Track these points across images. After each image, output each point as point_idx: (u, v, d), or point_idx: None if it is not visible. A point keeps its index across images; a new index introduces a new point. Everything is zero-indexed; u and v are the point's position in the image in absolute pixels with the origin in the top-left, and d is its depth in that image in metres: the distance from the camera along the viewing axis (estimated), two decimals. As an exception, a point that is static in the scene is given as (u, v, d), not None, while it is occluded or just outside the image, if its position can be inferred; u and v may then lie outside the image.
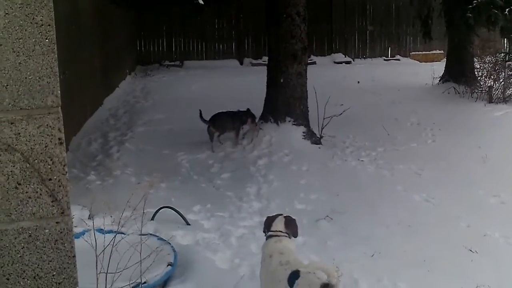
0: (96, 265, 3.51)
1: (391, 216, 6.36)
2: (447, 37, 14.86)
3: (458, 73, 13.85)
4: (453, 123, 10.55)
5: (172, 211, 6.07)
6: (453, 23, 12.52)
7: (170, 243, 5.07)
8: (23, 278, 1.94)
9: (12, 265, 1.92)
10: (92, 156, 8.53)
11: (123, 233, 4.16)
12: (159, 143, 9.15)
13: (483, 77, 13.29)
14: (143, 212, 4.19)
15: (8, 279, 1.93)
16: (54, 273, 1.97)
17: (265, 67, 10.10)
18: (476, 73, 13.79)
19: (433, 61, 18.81)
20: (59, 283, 1.98)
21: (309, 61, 10.64)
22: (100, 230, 4.37)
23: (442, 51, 19.35)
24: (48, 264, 1.96)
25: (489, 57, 13.32)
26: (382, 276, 4.98)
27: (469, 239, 5.70)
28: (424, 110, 11.50)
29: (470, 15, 9.42)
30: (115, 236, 3.76)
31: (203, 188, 7.36)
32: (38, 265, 1.95)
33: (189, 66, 18.60)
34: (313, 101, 9.41)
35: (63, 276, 1.98)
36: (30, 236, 1.92)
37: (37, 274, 1.95)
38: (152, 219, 5.91)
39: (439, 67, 15.13)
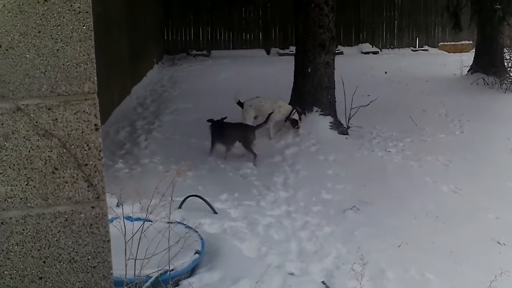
0: (125, 252, 3.56)
1: (419, 207, 6.33)
2: (476, 28, 14.68)
3: (487, 64, 13.67)
4: (481, 114, 10.43)
5: (199, 199, 6.10)
6: (482, 14, 12.38)
7: (197, 231, 5.10)
8: (59, 262, 1.98)
9: (48, 248, 1.96)
10: (120, 144, 8.60)
11: (151, 221, 4.20)
12: (187, 132, 9.19)
13: (513, 68, 13.13)
14: (171, 200, 4.23)
15: (44, 262, 1.97)
16: (89, 257, 2.01)
17: (292, 57, 10.08)
18: (505, 64, 13.60)
19: (461, 52, 18.63)
20: (94, 267, 2.02)
21: (336, 51, 10.59)
22: (129, 218, 4.41)
23: (471, 42, 19.13)
24: (84, 248, 2.00)
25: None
26: (409, 267, 4.97)
27: (497, 231, 5.65)
28: (452, 101, 11.39)
29: (499, 6, 9.28)
30: (143, 223, 3.81)
31: (231, 177, 7.38)
32: (74, 248, 1.99)
33: (216, 56, 18.61)
34: (340, 91, 9.38)
35: (98, 260, 2.02)
36: (66, 220, 1.96)
37: (73, 258, 1.99)
38: (180, 207, 5.94)
39: (468, 58, 14.95)
